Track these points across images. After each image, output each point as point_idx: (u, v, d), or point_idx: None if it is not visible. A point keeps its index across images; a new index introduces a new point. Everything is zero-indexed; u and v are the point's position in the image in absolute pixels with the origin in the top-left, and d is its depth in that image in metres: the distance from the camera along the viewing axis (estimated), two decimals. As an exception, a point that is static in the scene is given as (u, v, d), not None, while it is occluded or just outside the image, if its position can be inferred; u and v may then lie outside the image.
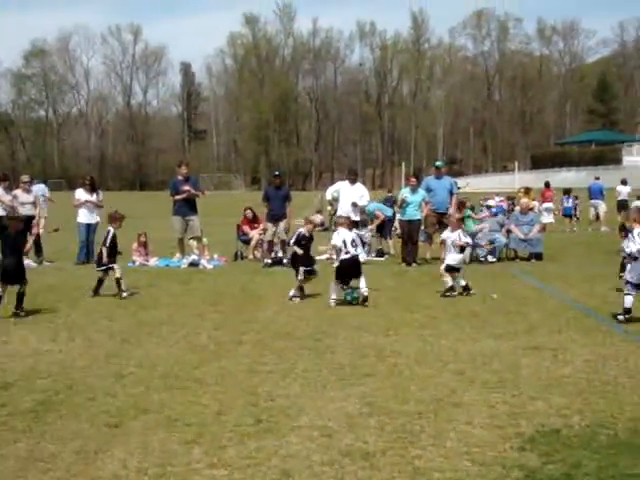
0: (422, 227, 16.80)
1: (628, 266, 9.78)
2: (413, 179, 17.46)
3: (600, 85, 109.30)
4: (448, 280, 11.95)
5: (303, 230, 12.10)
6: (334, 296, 11.12)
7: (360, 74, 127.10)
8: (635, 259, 9.51)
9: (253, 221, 18.85)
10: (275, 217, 16.97)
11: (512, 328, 9.19)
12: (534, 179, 56.31)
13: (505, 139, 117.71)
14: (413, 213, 16.52)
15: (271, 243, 17.16)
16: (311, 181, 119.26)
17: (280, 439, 5.22)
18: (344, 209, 16.64)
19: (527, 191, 28.95)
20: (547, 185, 31.96)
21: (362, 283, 11.15)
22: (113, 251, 12.21)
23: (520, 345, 8.17)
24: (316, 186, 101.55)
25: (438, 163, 18.38)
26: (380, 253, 18.82)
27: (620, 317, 9.52)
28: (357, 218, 16.92)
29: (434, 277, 13.06)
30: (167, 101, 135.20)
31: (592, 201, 30.89)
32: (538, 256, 17.84)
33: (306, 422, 5.58)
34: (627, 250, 9.70)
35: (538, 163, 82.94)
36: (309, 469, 4.68)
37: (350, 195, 16.82)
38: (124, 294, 11.75)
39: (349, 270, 11.24)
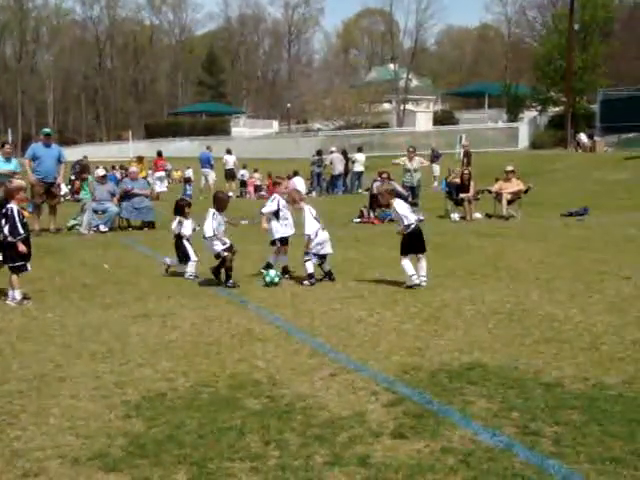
0: (31, 198, 15.94)
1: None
2: (8, 147, 16.57)
3: (209, 58, 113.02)
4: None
5: None
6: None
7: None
8: None
9: None
10: None
11: (122, 297, 9.17)
12: (148, 148, 56.72)
13: (119, 108, 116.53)
14: None
15: None
16: None
17: None
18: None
19: (140, 160, 29.18)
20: (159, 154, 32.48)
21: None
22: None
23: (129, 314, 8.17)
24: None
25: (46, 130, 17.59)
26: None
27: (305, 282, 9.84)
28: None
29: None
30: None
31: (202, 170, 32.06)
32: (151, 224, 18.05)
33: None
34: None
35: (152, 132, 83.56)
36: None
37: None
38: None
39: None
